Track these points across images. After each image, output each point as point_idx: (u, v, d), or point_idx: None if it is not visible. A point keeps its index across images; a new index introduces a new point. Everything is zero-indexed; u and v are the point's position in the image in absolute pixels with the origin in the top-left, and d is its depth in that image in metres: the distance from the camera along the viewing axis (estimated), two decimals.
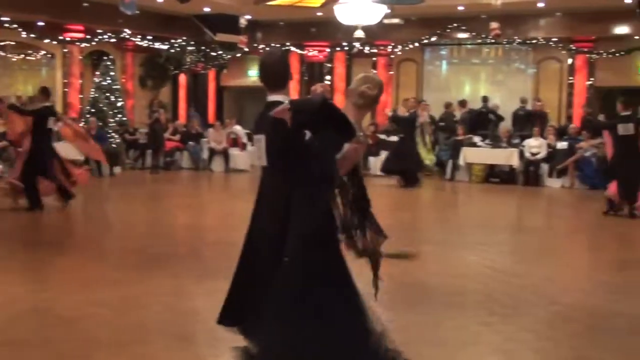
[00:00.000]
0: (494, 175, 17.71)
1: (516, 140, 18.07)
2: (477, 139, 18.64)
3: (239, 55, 22.97)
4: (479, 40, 21.40)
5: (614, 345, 5.46)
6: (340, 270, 4.05)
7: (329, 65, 22.81)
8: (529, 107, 19.82)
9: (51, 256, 8.60)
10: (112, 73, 19.99)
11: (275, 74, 4.19)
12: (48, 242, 9.76)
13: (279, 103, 3.91)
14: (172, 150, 20.41)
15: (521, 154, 17.62)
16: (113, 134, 19.13)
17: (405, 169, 16.76)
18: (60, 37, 19.79)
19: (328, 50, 22.66)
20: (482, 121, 19.79)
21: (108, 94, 19.65)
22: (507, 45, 21.54)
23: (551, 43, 20.60)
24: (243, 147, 19.86)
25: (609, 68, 20.50)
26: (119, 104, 20.08)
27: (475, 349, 5.33)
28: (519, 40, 20.77)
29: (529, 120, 19.00)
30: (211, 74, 24.20)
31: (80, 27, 19.98)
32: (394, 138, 20.18)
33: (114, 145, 18.89)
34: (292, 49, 22.95)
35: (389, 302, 6.50)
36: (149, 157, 20.00)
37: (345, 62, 22.80)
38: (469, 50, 22.60)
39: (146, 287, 6.93)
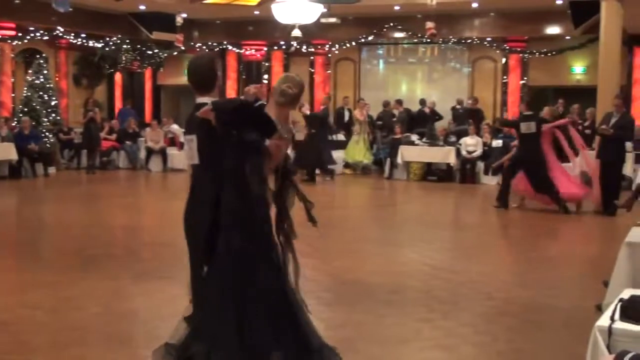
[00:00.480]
0: (432, 173, 17.90)
1: (453, 139, 18.29)
2: (414, 138, 18.82)
3: (175, 53, 22.80)
4: (415, 40, 21.65)
5: (550, 338, 5.57)
6: (272, 260, 4.34)
7: (267, 64, 22.80)
8: (465, 105, 20.11)
9: None
10: (45, 71, 19.61)
11: (203, 78, 4.36)
12: None
13: (204, 105, 4.13)
14: (108, 150, 20.13)
15: (458, 152, 17.84)
16: (47, 133, 18.76)
17: (308, 164, 16.97)
18: None
19: (265, 49, 22.66)
20: (421, 119, 20.02)
21: (41, 93, 19.27)
22: (442, 45, 21.83)
23: (485, 43, 20.96)
24: (181, 146, 19.68)
25: (541, 67, 20.95)
26: (52, 103, 19.71)
27: (415, 344, 5.38)
28: (454, 39, 21.07)
29: (466, 118, 19.27)
30: (147, 73, 23.96)
31: (12, 25, 19.58)
32: (335, 137, 20.30)
33: (48, 145, 18.53)
34: (229, 47, 22.87)
35: (329, 300, 6.54)
36: (84, 156, 19.69)
37: (283, 61, 22.85)
38: (405, 49, 22.82)
39: (83, 288, 6.81)
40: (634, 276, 5.42)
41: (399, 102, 20.41)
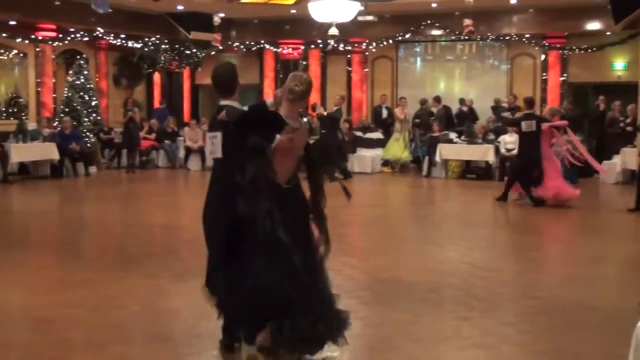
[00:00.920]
0: (470, 171, 17.79)
1: (491, 137, 18.14)
2: (453, 136, 18.72)
3: (213, 53, 22.88)
4: (453, 37, 21.50)
5: (591, 338, 5.50)
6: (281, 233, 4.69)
7: (304, 62, 22.78)
8: (504, 104, 19.93)
9: (26, 257, 8.51)
10: (85, 72, 19.81)
11: (225, 84, 5.12)
12: (23, 243, 9.65)
13: (229, 107, 4.96)
14: (147, 149, 20.31)
15: (497, 150, 17.69)
16: (88, 133, 18.98)
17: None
18: (33, 36, 19.60)
19: (303, 47, 22.64)
20: (460, 118, 19.94)
21: (82, 93, 19.47)
22: (480, 42, 21.64)
23: (524, 39, 20.75)
24: None
25: (581, 64, 20.67)
26: (93, 103, 19.91)
27: (454, 343, 5.34)
28: (492, 36, 20.87)
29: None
30: (186, 72, 24.08)
31: (53, 26, 19.80)
32: (373, 135, 20.29)
33: (88, 145, 18.75)
34: (267, 46, 22.91)
35: (367, 299, 6.53)
36: (124, 156, 19.89)
37: (320, 60, 22.80)
38: (443, 47, 22.67)
39: (123, 287, 6.88)
40: None
41: (437, 99, 20.28)
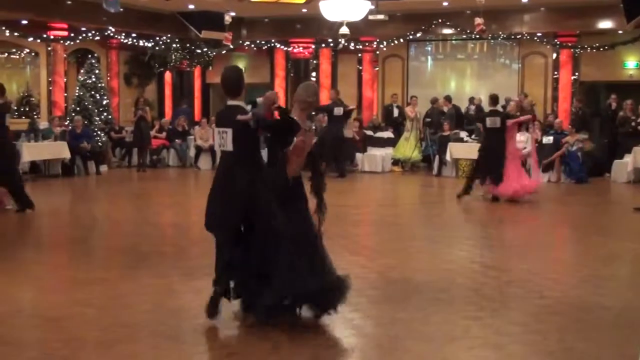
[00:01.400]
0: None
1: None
2: (463, 135, 18.67)
3: (224, 52, 22.91)
4: (464, 36, 21.47)
5: (601, 337, 5.47)
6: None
7: (315, 61, 22.77)
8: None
9: (37, 255, 8.55)
10: (97, 71, 19.86)
11: (233, 86, 5.83)
12: (34, 242, 9.71)
13: (237, 107, 5.71)
14: (158, 148, 20.35)
15: None
16: (99, 132, 19.04)
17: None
18: (45, 36, 19.67)
19: (313, 46, 22.62)
20: (470, 117, 19.90)
21: (93, 92, 19.52)
22: (492, 41, 21.59)
23: (536, 38, 20.68)
24: None
25: (593, 63, 20.59)
26: (104, 102, 19.96)
27: (464, 343, 5.33)
28: (503, 35, 20.81)
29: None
30: (197, 71, 24.12)
31: (64, 25, 19.86)
32: (384, 134, 20.28)
33: (99, 144, 18.82)
34: (278, 45, 22.92)
35: (377, 298, 6.53)
36: (135, 155, 19.94)
37: (331, 59, 22.77)
38: (454, 45, 22.64)
39: (133, 286, 6.89)
40: None
41: (448, 98, 20.26)
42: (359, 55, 22.70)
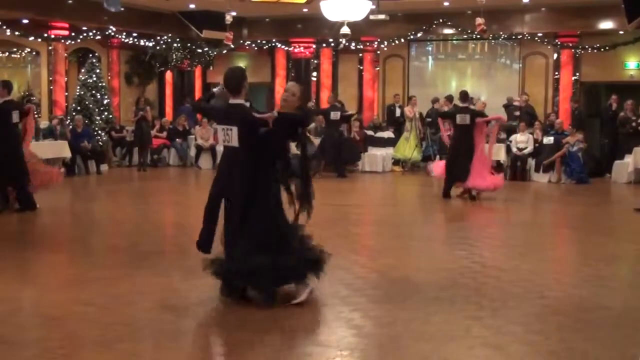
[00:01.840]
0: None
1: (503, 136, 18.09)
2: None
3: (225, 51, 22.91)
4: (465, 36, 21.46)
5: (601, 337, 5.46)
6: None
7: (316, 61, 22.77)
8: (516, 103, 19.86)
9: (37, 254, 8.54)
10: (97, 70, 19.85)
11: (236, 85, 6.24)
12: (34, 240, 9.70)
13: (239, 105, 6.23)
14: (159, 148, 20.36)
15: (508, 149, 17.65)
16: (99, 131, 19.05)
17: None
18: (45, 35, 19.67)
19: (314, 46, 22.62)
20: None
21: (94, 92, 19.51)
22: (492, 41, 21.59)
23: (536, 38, 20.68)
24: None
25: (594, 63, 20.58)
26: (105, 102, 19.95)
27: (465, 342, 5.32)
28: (504, 35, 20.81)
29: (520, 115, 19.05)
30: (197, 71, 24.12)
31: (65, 25, 19.85)
32: (384, 134, 20.29)
33: (100, 143, 18.82)
34: (278, 45, 22.92)
35: (378, 298, 6.52)
36: (135, 154, 19.94)
37: (332, 59, 22.76)
38: (455, 45, 22.62)
39: (134, 285, 6.89)
40: None
41: (449, 98, 20.10)
42: (360, 55, 22.69)
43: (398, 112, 20.94)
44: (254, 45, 23.04)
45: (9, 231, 10.40)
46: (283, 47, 22.93)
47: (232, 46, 21.91)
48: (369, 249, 9.33)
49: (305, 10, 20.12)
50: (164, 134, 20.70)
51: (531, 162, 17.49)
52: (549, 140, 17.45)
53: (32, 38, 19.64)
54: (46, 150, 16.94)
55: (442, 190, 13.84)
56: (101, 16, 18.85)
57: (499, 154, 17.43)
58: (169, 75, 23.72)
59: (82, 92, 19.13)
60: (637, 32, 19.07)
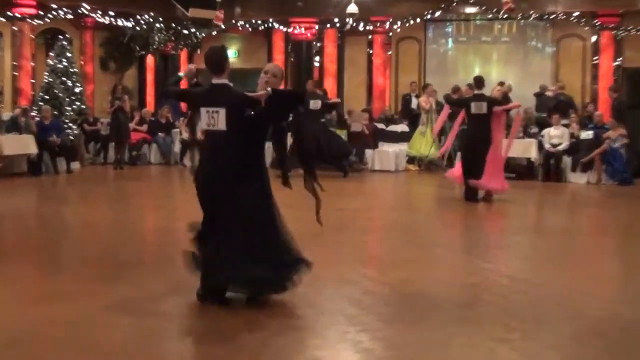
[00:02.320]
0: (510, 169, 17.64)
1: (534, 130, 18.04)
2: None
3: (214, 33, 22.91)
4: (490, 16, 21.42)
5: None
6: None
7: (318, 44, 22.77)
8: (549, 93, 19.83)
9: None
10: (68, 54, 19.87)
11: (217, 64, 6.55)
12: None
13: (224, 85, 6.52)
14: (138, 143, 20.34)
15: (540, 145, 17.60)
16: (70, 124, 19.03)
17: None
18: (9, 13, 19.67)
19: (317, 27, 22.61)
20: None
21: (64, 79, 19.54)
22: (522, 21, 21.56)
23: (572, 18, 20.63)
24: None
25: (638, 47, 20.53)
26: (77, 90, 19.97)
27: None
28: (535, 15, 20.77)
29: (555, 106, 19.01)
30: (183, 55, 24.14)
31: (32, 2, 19.86)
32: (397, 127, 20.25)
33: (71, 137, 18.80)
34: (276, 25, 22.90)
35: (390, 317, 6.46)
36: (112, 150, 19.93)
37: (337, 41, 22.75)
38: (478, 26, 22.62)
39: (109, 302, 6.82)
40: None
41: (472, 87, 20.19)
42: (369, 37, 22.69)
43: (414, 102, 20.89)
44: (247, 25, 23.02)
45: None
46: (281, 27, 22.92)
47: (223, 27, 21.92)
48: (379, 259, 9.29)
49: None
50: (145, 127, 20.69)
51: (567, 160, 17.45)
52: (587, 135, 17.41)
53: None
54: (9, 145, 16.96)
55: (464, 192, 13.77)
56: None
57: (529, 150, 17.40)
58: (150, 59, 23.73)
59: (51, 79, 19.14)
60: None
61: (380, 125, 20.20)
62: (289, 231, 6.67)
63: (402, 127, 20.26)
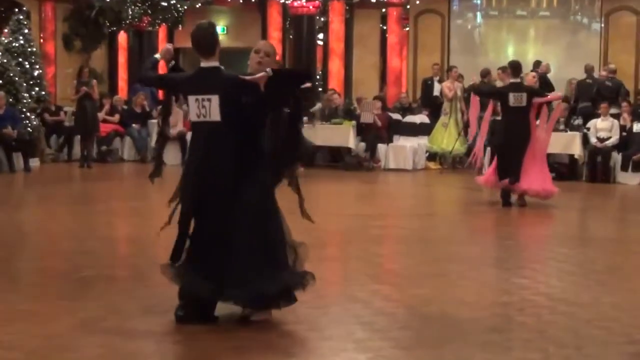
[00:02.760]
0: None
1: (578, 121, 18.04)
2: None
3: (198, 5, 22.94)
4: None
5: None
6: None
7: (322, 19, 22.79)
8: (596, 75, 19.82)
9: None
10: (25, 31, 19.89)
11: (206, 44, 6.57)
12: None
13: (215, 68, 6.53)
14: (109, 136, 20.34)
15: (585, 140, 17.60)
16: (28, 114, 19.04)
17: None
18: None
19: None
20: None
21: (21, 60, 19.56)
22: None
23: None
24: None
25: None
26: (35, 73, 20.00)
27: None
28: None
29: (600, 94, 18.98)
30: (161, 32, 24.16)
31: None
32: (416, 118, 20.23)
33: (29, 129, 18.80)
34: None
35: (408, 342, 6.50)
36: (77, 145, 19.93)
37: (344, 15, 22.71)
38: None
39: (74, 323, 6.86)
40: None
41: (505, 70, 20.22)
42: (383, 10, 22.74)
43: (437, 88, 20.85)
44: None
45: None
46: (278, 0, 22.93)
47: None
48: (394, 275, 9.31)
49: None
50: (116, 117, 20.70)
51: (616, 157, 17.44)
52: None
53: None
54: None
55: (501, 197, 13.82)
56: None
57: (572, 146, 17.39)
58: (122, 37, 23.77)
59: (5, 60, 19.15)
60: None
61: (396, 116, 20.17)
62: (294, 240, 6.71)
63: (421, 118, 20.24)
